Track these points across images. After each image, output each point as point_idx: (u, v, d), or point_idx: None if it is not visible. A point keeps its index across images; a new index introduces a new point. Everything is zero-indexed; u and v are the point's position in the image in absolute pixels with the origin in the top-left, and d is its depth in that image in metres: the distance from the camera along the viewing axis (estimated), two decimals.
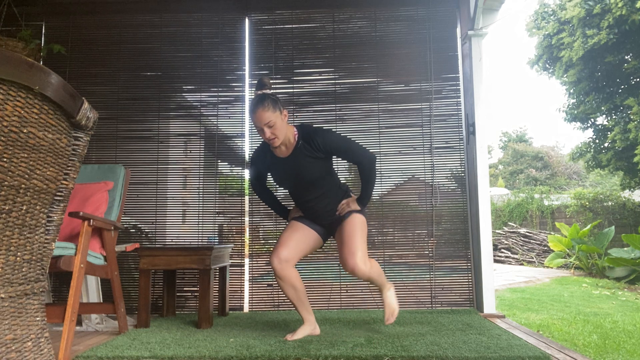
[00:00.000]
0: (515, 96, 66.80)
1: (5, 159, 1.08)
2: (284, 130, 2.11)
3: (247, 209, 3.34)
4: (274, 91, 3.38)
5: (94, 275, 2.24)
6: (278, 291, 3.18)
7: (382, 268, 3.15)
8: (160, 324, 2.61)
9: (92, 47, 3.43)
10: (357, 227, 2.19)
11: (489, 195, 3.09)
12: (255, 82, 3.38)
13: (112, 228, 2.33)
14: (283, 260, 2.20)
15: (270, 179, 2.40)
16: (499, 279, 6.57)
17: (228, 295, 3.04)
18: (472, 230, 3.14)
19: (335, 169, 2.37)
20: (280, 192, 3.18)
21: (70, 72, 3.37)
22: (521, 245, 9.55)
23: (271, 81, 2.24)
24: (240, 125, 3.36)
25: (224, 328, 2.49)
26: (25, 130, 1.12)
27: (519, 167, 23.96)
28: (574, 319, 3.74)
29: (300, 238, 2.29)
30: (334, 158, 2.26)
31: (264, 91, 2.13)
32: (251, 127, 3.35)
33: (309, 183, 2.21)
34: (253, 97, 2.16)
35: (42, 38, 3.40)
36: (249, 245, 3.34)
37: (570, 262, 7.93)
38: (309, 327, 2.27)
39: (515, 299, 4.83)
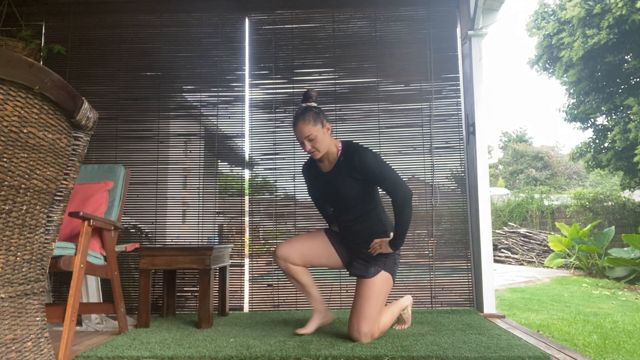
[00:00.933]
0: (515, 96, 66.82)
1: (5, 159, 1.08)
2: (325, 143, 2.09)
3: (247, 209, 3.34)
4: (273, 91, 3.38)
5: (94, 275, 2.24)
6: (278, 291, 3.18)
7: None
8: (160, 324, 2.61)
9: (92, 47, 3.43)
10: (374, 293, 2.10)
11: (489, 195, 3.09)
12: (256, 82, 3.42)
13: (112, 228, 2.33)
14: (280, 258, 2.24)
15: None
16: (499, 279, 6.57)
17: (228, 295, 3.04)
18: (472, 230, 3.14)
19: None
20: None
21: (70, 72, 3.37)
22: (521, 245, 9.55)
23: (317, 92, 2.23)
24: (240, 125, 3.36)
25: (224, 328, 2.49)
26: (25, 130, 1.12)
27: (519, 167, 23.95)
28: (574, 319, 3.74)
29: (311, 247, 2.29)
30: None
31: (308, 104, 2.13)
32: (251, 127, 3.36)
33: (344, 202, 2.17)
34: (297, 108, 2.17)
35: (42, 38, 3.40)
36: (249, 245, 3.34)
37: (570, 262, 7.93)
38: (318, 317, 2.29)
39: (515, 299, 4.83)
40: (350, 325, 2.11)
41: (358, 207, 2.17)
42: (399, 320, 2.46)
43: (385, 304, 2.20)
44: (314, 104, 2.14)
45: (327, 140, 2.10)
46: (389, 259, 2.18)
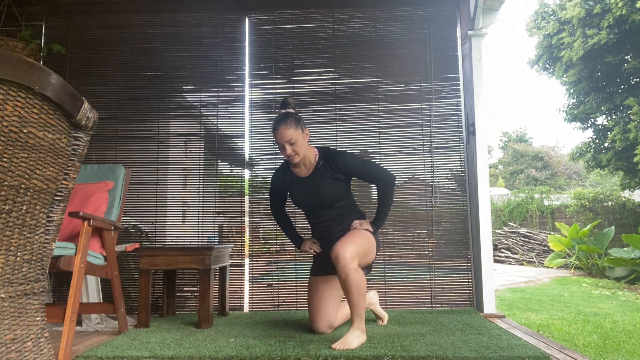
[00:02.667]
0: (515, 96, 66.82)
1: (5, 159, 1.08)
2: (304, 148, 2.19)
3: (247, 209, 3.34)
4: (273, 91, 3.38)
5: (94, 275, 2.24)
6: (278, 291, 3.18)
7: (382, 268, 3.17)
8: (160, 324, 2.61)
9: (92, 47, 3.43)
10: (360, 234, 2.18)
11: (489, 195, 3.09)
12: (256, 81, 3.42)
13: (112, 228, 2.33)
14: (325, 329, 2.25)
15: (289, 201, 2.45)
16: (499, 279, 6.57)
17: (228, 295, 3.04)
18: (472, 230, 3.14)
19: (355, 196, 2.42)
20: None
21: (70, 72, 3.37)
22: (521, 245, 9.55)
23: (294, 101, 2.34)
24: (240, 125, 3.36)
25: (224, 328, 2.49)
26: (25, 130, 1.12)
27: (519, 167, 23.95)
28: (574, 319, 3.74)
29: (326, 296, 2.28)
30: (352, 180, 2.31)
31: (288, 110, 2.21)
32: (251, 127, 3.36)
33: (326, 204, 2.26)
34: (277, 115, 2.24)
35: (42, 38, 3.40)
36: (249, 245, 3.34)
37: (570, 262, 7.93)
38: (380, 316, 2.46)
39: (515, 299, 4.83)
40: (334, 247, 2.06)
41: (339, 205, 2.28)
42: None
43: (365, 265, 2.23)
44: (292, 110, 2.22)
45: (305, 145, 2.20)
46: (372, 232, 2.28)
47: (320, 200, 2.25)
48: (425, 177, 3.27)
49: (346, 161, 2.20)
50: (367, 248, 2.18)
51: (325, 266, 2.30)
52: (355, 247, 2.07)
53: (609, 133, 9.87)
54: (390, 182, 2.22)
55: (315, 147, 2.30)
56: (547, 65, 10.71)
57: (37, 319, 1.28)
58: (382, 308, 2.70)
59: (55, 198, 1.30)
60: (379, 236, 2.38)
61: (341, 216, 2.29)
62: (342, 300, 2.32)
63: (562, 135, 49.63)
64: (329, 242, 2.26)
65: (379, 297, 3.11)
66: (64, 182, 1.31)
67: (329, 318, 2.25)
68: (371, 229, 2.25)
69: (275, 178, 2.42)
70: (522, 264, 9.08)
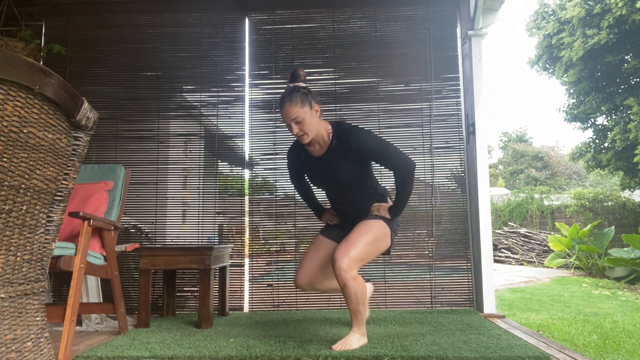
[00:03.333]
0: (515, 96, 66.81)
1: (5, 159, 1.08)
2: (314, 126, 1.96)
3: (247, 209, 3.34)
4: (273, 91, 3.38)
5: (94, 275, 2.24)
6: (278, 291, 3.18)
7: (382, 268, 3.17)
8: (160, 324, 2.61)
9: (92, 47, 3.43)
10: (368, 231, 2.02)
11: (489, 195, 3.09)
12: (255, 81, 3.42)
13: (112, 228, 2.33)
14: (304, 285, 2.20)
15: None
16: (499, 279, 6.57)
17: (228, 295, 3.04)
18: (472, 230, 3.14)
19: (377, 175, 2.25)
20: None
21: (70, 72, 3.37)
22: (521, 245, 9.55)
23: (305, 72, 2.07)
24: (240, 125, 3.36)
25: (224, 328, 2.49)
26: (25, 130, 1.12)
27: (519, 167, 23.95)
28: (574, 319, 3.74)
29: (323, 256, 2.21)
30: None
31: (297, 84, 1.98)
32: (251, 127, 3.36)
33: (342, 186, 2.08)
34: (285, 89, 2.01)
35: (42, 38, 3.40)
36: (249, 245, 3.34)
37: (570, 262, 7.93)
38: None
39: (515, 299, 4.83)
40: (334, 253, 1.97)
41: (357, 186, 2.09)
42: (341, 341, 2.26)
43: (375, 256, 2.11)
44: (302, 84, 1.99)
45: (316, 123, 1.96)
46: (388, 220, 2.12)
47: (335, 182, 2.07)
48: (425, 177, 3.27)
49: (361, 140, 1.95)
50: (375, 246, 2.04)
51: (333, 234, 2.23)
52: (357, 252, 1.94)
53: (609, 133, 9.87)
54: (410, 170, 1.98)
55: (330, 122, 2.05)
56: (547, 65, 10.70)
57: (37, 319, 1.28)
58: (382, 308, 2.69)
59: (55, 198, 1.30)
60: (397, 229, 2.19)
61: (360, 199, 2.12)
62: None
63: (562, 135, 49.64)
64: (347, 220, 2.18)
65: (379, 296, 3.12)
66: (64, 182, 1.31)
67: (312, 276, 2.17)
68: (388, 216, 2.08)
69: (290, 154, 2.23)
70: (522, 264, 9.08)
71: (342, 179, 2.04)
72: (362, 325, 2.03)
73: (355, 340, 1.99)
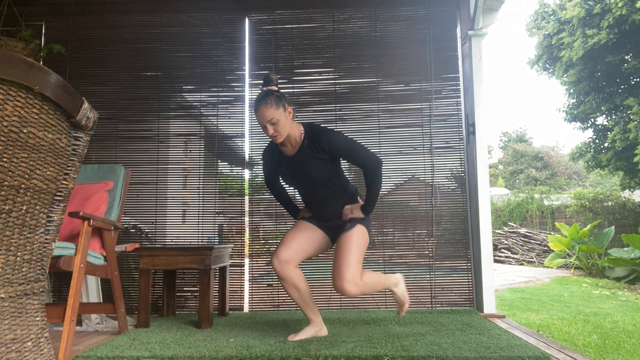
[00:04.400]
0: (515, 96, 66.83)
1: (5, 159, 1.08)
2: (287, 127, 2.08)
3: (247, 209, 3.34)
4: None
5: (94, 275, 2.24)
6: (278, 291, 3.18)
7: (382, 268, 3.17)
8: (160, 324, 2.61)
9: (92, 47, 3.43)
10: (352, 243, 2.12)
11: (489, 195, 3.09)
12: (256, 82, 3.42)
13: (112, 228, 2.33)
14: (283, 261, 2.17)
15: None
16: (499, 279, 6.57)
17: (228, 295, 3.04)
18: (472, 230, 3.14)
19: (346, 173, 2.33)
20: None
21: (70, 72, 3.37)
22: (521, 245, 9.55)
23: (278, 76, 2.23)
24: (240, 125, 3.37)
25: (224, 328, 2.49)
26: (25, 130, 1.12)
27: (519, 167, 23.95)
28: (574, 319, 3.74)
29: (304, 239, 2.26)
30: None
31: (270, 87, 2.10)
32: (251, 127, 3.36)
33: (314, 184, 2.18)
34: (259, 93, 2.12)
35: (42, 38, 3.40)
36: (249, 245, 3.34)
37: (570, 262, 7.93)
38: (314, 329, 2.24)
39: (515, 299, 4.83)
40: (334, 278, 2.08)
41: (328, 185, 2.20)
42: (398, 304, 2.38)
43: (363, 257, 2.19)
44: (275, 88, 2.11)
45: (289, 124, 2.08)
46: (362, 220, 2.21)
47: (307, 181, 2.18)
48: (425, 177, 3.27)
49: (331, 140, 2.07)
50: (360, 251, 2.15)
51: (312, 219, 2.31)
52: (352, 266, 2.06)
53: (609, 133, 9.87)
54: (378, 167, 2.10)
55: (302, 124, 2.18)
56: (547, 65, 10.70)
57: (37, 319, 1.28)
58: (382, 308, 2.68)
59: (55, 198, 1.30)
60: (371, 220, 2.29)
61: (332, 197, 2.23)
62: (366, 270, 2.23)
63: (562, 135, 49.67)
64: (323, 219, 2.28)
65: (379, 296, 3.12)
66: (64, 182, 1.31)
67: (291, 251, 2.20)
68: (362, 215, 2.18)
69: (265, 155, 2.35)
70: (522, 264, 9.08)
71: (313, 177, 2.15)
72: (390, 281, 2.30)
73: (400, 293, 2.33)
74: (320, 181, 2.17)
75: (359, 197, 2.30)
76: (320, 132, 2.11)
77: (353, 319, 2.72)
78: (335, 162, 2.18)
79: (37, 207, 1.24)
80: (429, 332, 2.33)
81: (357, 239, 2.14)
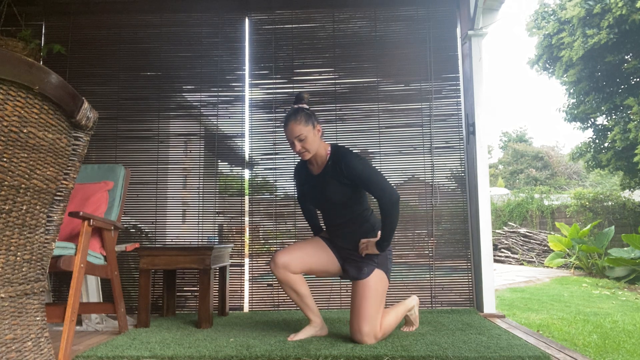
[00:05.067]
0: (515, 96, 66.84)
1: (5, 159, 1.08)
2: (315, 145, 2.09)
3: (247, 209, 3.34)
4: (273, 91, 3.38)
5: (94, 275, 2.24)
6: (278, 291, 3.18)
7: None
8: (160, 324, 2.61)
9: (92, 47, 3.43)
10: (370, 293, 2.07)
11: (489, 195, 3.09)
12: (255, 81, 3.42)
13: (112, 228, 2.33)
14: (280, 266, 2.14)
15: None
16: (499, 278, 6.57)
17: (228, 295, 3.04)
18: (472, 230, 3.14)
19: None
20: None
21: (70, 72, 3.37)
22: (521, 245, 9.55)
23: (308, 95, 2.27)
24: (240, 125, 3.37)
25: (224, 328, 2.49)
26: (25, 130, 1.12)
27: (519, 167, 23.95)
28: (574, 319, 3.74)
29: (310, 250, 2.23)
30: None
31: (300, 105, 2.14)
32: (251, 127, 3.36)
33: (331, 206, 2.17)
34: (289, 109, 2.17)
35: (42, 38, 3.40)
36: (249, 245, 3.34)
37: (570, 262, 7.93)
38: (314, 328, 2.23)
39: (515, 299, 4.83)
40: (351, 328, 2.09)
41: (346, 211, 2.17)
42: (407, 321, 2.41)
43: (384, 303, 2.17)
44: (306, 106, 2.15)
45: (317, 142, 2.11)
46: (381, 256, 2.15)
47: (325, 202, 2.17)
48: (425, 177, 3.27)
49: (350, 164, 2.04)
50: (379, 294, 2.10)
51: (326, 239, 2.29)
52: (370, 318, 2.04)
53: (609, 133, 9.86)
54: (394, 201, 2.02)
55: (331, 144, 2.18)
56: (547, 65, 10.70)
57: (37, 318, 1.28)
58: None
59: (55, 198, 1.30)
60: (391, 260, 2.22)
61: (350, 223, 2.18)
62: (387, 308, 2.23)
63: (562, 135, 49.66)
64: (341, 248, 2.25)
65: None
66: (64, 182, 1.31)
67: (290, 257, 2.15)
68: (376, 251, 2.11)
69: (295, 171, 2.40)
70: (522, 264, 9.08)
71: (330, 199, 2.13)
72: (405, 310, 2.32)
73: (413, 317, 2.38)
74: (338, 205, 2.15)
75: (379, 232, 2.18)
76: (343, 154, 2.09)
77: None
78: (357, 188, 2.12)
79: (37, 207, 1.24)
80: (429, 331, 2.33)
81: (375, 285, 2.09)
